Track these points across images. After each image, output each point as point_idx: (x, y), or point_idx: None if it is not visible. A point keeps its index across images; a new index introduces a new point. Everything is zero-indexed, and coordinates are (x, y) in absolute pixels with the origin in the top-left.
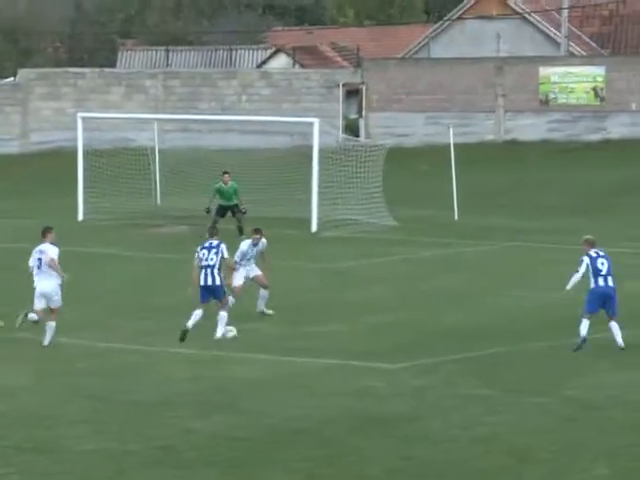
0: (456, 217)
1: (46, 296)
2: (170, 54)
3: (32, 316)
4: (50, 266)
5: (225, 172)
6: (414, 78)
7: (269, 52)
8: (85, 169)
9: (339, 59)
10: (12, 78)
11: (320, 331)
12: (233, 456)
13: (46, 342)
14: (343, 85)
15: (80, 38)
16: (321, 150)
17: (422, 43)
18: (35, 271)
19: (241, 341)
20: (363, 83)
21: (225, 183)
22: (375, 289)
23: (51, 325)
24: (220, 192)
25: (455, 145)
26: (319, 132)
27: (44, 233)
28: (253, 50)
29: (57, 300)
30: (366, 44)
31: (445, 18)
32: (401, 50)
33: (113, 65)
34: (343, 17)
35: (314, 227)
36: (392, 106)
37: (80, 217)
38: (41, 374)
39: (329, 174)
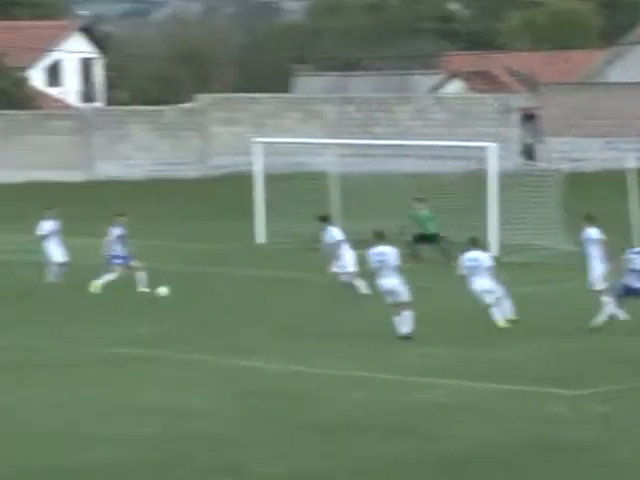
0: (636, 244)
1: (392, 292)
2: (345, 79)
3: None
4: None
5: (418, 198)
6: (590, 103)
7: (443, 77)
8: (263, 193)
9: (513, 84)
10: (190, 103)
11: (500, 357)
12: None
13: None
14: (518, 110)
15: (255, 64)
16: (498, 175)
17: (598, 67)
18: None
19: (422, 365)
20: (539, 107)
21: (419, 210)
22: (554, 315)
23: (407, 315)
24: (414, 219)
25: (635, 170)
26: (495, 157)
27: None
28: (427, 75)
29: (403, 292)
30: (540, 68)
31: (620, 42)
32: (576, 74)
33: (288, 90)
34: (517, 42)
35: (495, 252)
36: (569, 131)
37: (259, 240)
38: (224, 396)
39: (506, 199)
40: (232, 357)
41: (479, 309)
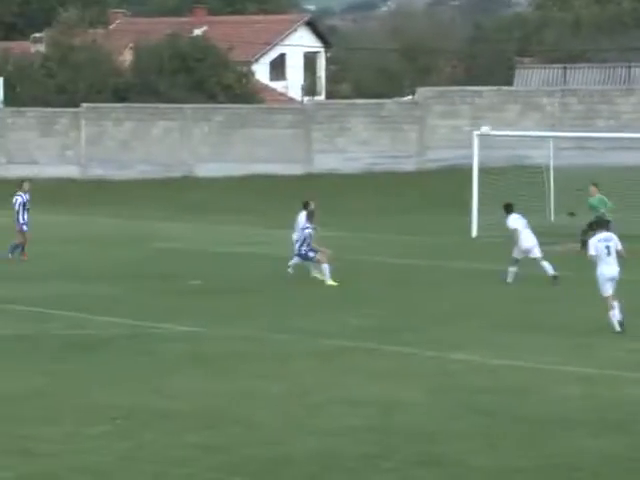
0: None
1: (613, 280)
2: (567, 72)
3: None
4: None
5: (593, 184)
6: None
7: None
8: (480, 186)
9: None
10: (410, 96)
11: None
12: (627, 477)
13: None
14: None
15: (478, 56)
16: None
17: None
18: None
19: (635, 361)
20: None
21: (592, 195)
22: None
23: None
24: (590, 205)
25: None
26: None
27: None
28: None
29: None
30: None
31: None
32: None
33: (510, 83)
34: None
35: None
36: None
37: (474, 234)
38: (433, 389)
39: None
40: (444, 350)
41: None
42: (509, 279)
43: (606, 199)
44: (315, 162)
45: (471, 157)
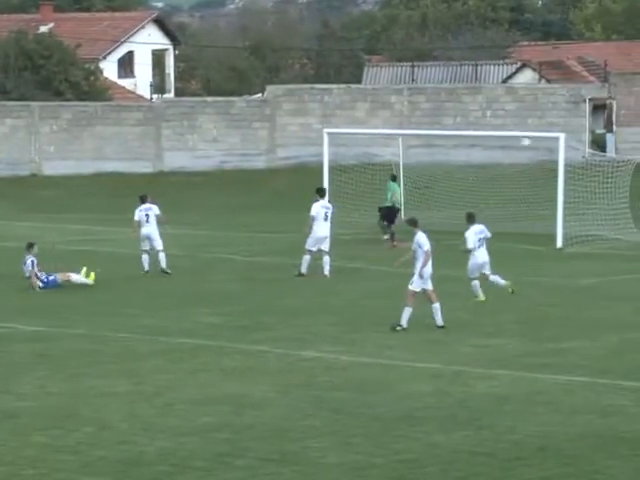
0: None
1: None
2: (415, 70)
3: None
4: None
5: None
6: None
7: (514, 67)
8: (330, 184)
9: (586, 74)
10: (260, 94)
11: (562, 347)
12: (475, 472)
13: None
14: (590, 100)
15: (327, 55)
16: (567, 165)
17: None
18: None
19: (483, 357)
20: (611, 98)
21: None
22: (618, 307)
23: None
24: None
25: None
26: (565, 147)
27: None
28: (498, 65)
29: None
30: (614, 59)
31: None
32: None
33: (359, 81)
34: (590, 32)
35: (559, 243)
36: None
37: None
38: (285, 387)
39: (574, 189)
40: (294, 347)
41: (533, 299)
42: (480, 297)
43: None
44: (165, 160)
45: (321, 155)
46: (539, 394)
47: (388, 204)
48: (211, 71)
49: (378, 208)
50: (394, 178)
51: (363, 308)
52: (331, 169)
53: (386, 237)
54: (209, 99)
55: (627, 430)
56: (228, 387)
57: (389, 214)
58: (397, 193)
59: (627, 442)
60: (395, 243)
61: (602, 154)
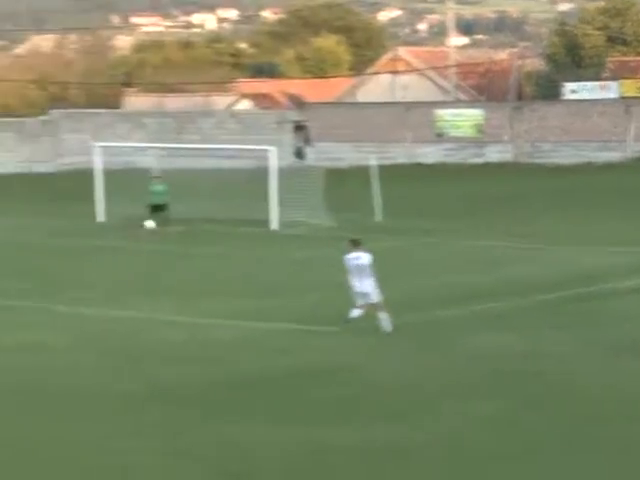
0: (377, 219)
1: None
2: (164, 99)
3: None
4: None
5: (156, 177)
6: (343, 117)
7: (236, 97)
8: (102, 184)
9: (287, 103)
10: (46, 116)
11: (269, 305)
12: (203, 399)
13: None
14: (292, 122)
15: (95, 86)
16: (277, 170)
17: (349, 90)
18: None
19: (216, 310)
20: (306, 120)
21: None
22: (318, 273)
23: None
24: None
25: (376, 166)
26: (276, 157)
27: None
28: (224, 96)
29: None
30: (307, 91)
31: (364, 72)
32: (333, 96)
33: (121, 107)
34: (290, 71)
35: (275, 227)
36: (327, 137)
37: (99, 219)
38: (68, 336)
39: (283, 188)
40: (77, 306)
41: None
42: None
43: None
44: None
45: (94, 162)
46: (250, 338)
47: (158, 202)
48: (6, 99)
49: (151, 206)
50: (156, 180)
51: (135, 278)
52: (103, 173)
53: (151, 225)
54: (6, 119)
55: (323, 363)
56: (27, 337)
57: (157, 209)
58: (159, 192)
59: (321, 373)
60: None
61: (302, 162)
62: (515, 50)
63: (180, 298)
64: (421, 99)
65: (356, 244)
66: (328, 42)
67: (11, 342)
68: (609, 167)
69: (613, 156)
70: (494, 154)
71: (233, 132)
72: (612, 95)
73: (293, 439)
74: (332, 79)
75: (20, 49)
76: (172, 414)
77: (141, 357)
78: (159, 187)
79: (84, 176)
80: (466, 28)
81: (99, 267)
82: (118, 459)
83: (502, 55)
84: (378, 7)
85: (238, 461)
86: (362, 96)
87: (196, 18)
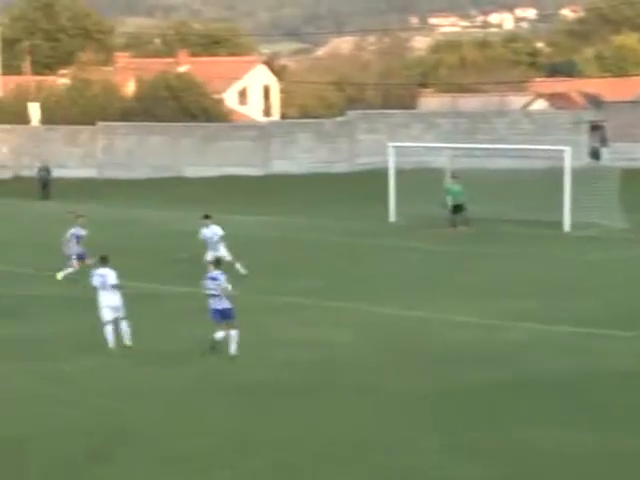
0: None
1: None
2: (457, 99)
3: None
4: None
5: (453, 177)
6: None
7: (531, 97)
8: (395, 185)
9: (584, 102)
10: (342, 117)
11: (567, 306)
12: (516, 403)
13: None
14: (588, 122)
15: (391, 87)
16: (573, 170)
17: None
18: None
19: (506, 312)
20: (603, 120)
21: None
22: (616, 276)
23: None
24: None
25: None
26: (570, 158)
27: None
28: (519, 96)
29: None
30: (605, 90)
31: None
32: (633, 94)
33: (415, 107)
34: (588, 70)
35: (567, 228)
36: (624, 137)
37: (391, 219)
38: (358, 334)
39: (577, 189)
40: (366, 305)
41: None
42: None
43: (457, 189)
44: (273, 166)
45: (387, 162)
46: (551, 340)
47: (456, 202)
48: (305, 100)
49: (452, 206)
50: (453, 180)
51: (419, 275)
52: (396, 173)
53: (453, 226)
54: (304, 120)
55: (615, 367)
56: (318, 334)
57: (457, 209)
58: (457, 192)
59: (614, 376)
60: (458, 228)
61: (597, 162)
62: None
63: (467, 298)
64: None
65: None
66: (630, 40)
67: (300, 338)
68: None
69: None
70: None
71: (527, 132)
72: None
73: (585, 443)
74: (632, 77)
75: (320, 51)
76: (458, 413)
77: (429, 357)
78: (456, 187)
79: (378, 176)
80: None
81: (388, 267)
82: (405, 460)
83: None
84: None
85: (525, 463)
86: None
87: (494, 18)
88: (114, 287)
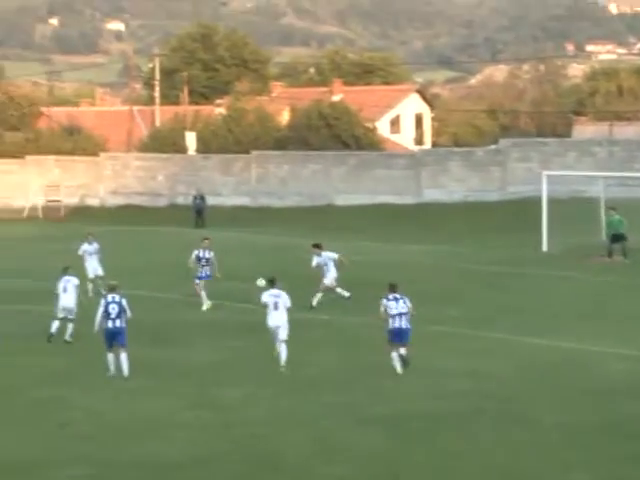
0: None
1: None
2: (613, 127)
3: None
4: None
5: (611, 208)
6: None
7: None
8: (548, 213)
9: None
10: (494, 146)
11: None
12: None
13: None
14: None
15: (545, 115)
16: None
17: None
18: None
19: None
20: None
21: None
22: None
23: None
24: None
25: None
26: None
27: None
28: None
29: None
30: None
31: None
32: None
33: (569, 136)
34: None
35: None
36: None
37: (544, 248)
38: (510, 365)
39: None
40: (520, 335)
41: None
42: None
43: (616, 219)
44: (424, 194)
45: (540, 191)
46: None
47: (616, 232)
48: (457, 128)
49: (612, 235)
50: (612, 211)
51: (577, 306)
52: (548, 202)
53: (609, 256)
54: (455, 149)
55: None
56: (468, 364)
57: (616, 239)
58: (617, 222)
59: None
60: (614, 258)
61: None
62: None
63: (623, 329)
64: None
65: None
66: None
67: (449, 367)
68: None
69: None
70: None
71: None
72: None
73: None
74: None
75: (474, 80)
76: (613, 447)
77: (586, 389)
78: (616, 217)
79: (529, 205)
80: None
81: (539, 296)
82: None
83: None
84: None
85: None
86: None
87: None
88: (288, 309)
